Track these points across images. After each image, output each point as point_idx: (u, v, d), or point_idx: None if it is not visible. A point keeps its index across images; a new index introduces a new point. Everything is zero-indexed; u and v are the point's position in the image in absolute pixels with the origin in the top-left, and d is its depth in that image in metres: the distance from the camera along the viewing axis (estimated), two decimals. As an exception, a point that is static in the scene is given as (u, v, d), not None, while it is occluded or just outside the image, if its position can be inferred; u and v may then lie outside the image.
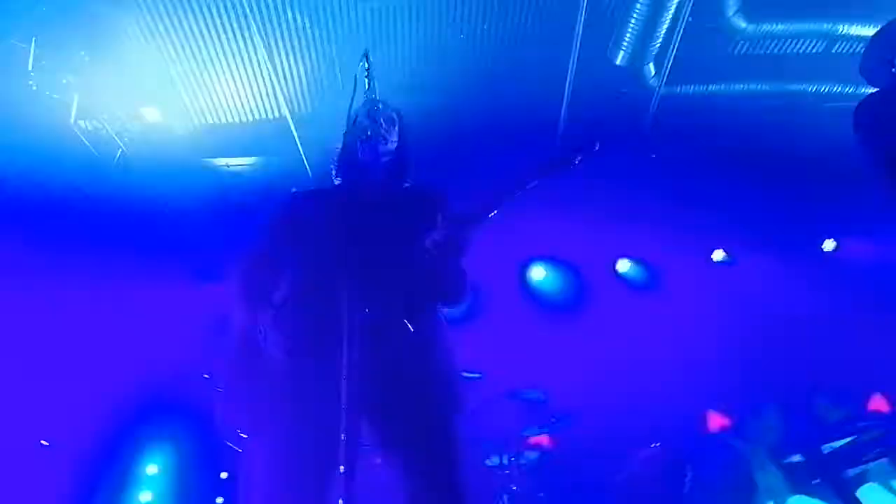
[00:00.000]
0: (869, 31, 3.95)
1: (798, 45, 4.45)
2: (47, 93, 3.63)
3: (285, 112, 4.52)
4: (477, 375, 4.68)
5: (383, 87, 2.08)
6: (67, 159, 4.01)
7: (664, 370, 5.47)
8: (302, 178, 4.69)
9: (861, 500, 4.34)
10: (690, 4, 3.86)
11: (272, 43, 4.05)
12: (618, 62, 4.26)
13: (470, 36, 4.12)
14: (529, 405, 4.81)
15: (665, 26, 3.97)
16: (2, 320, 3.99)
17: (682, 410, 5.28)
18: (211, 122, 4.69)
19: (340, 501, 1.59)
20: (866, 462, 4.54)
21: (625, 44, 4.11)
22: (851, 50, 4.37)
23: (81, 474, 4.41)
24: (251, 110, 4.69)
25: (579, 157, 1.85)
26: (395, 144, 2.16)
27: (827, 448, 4.70)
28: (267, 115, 4.73)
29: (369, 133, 2.00)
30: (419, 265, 1.90)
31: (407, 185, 2.23)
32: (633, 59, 4.23)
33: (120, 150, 4.20)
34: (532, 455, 4.70)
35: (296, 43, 4.07)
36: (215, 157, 4.85)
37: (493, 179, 1.89)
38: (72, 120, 3.82)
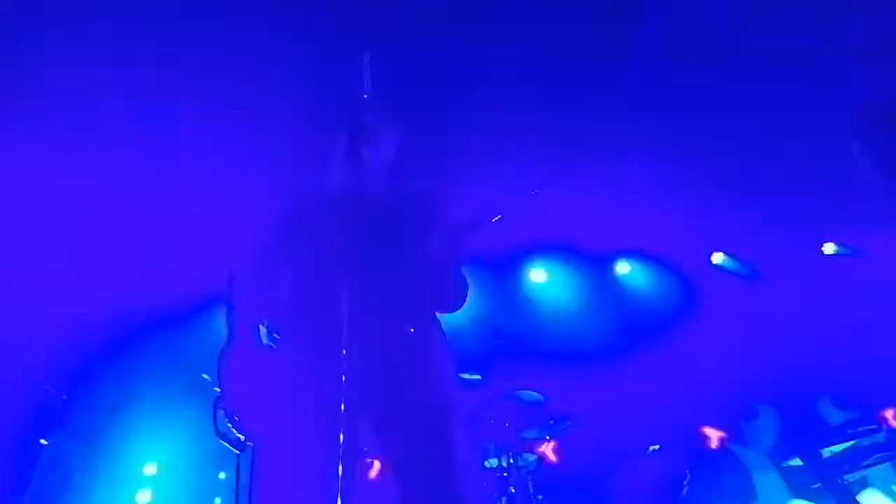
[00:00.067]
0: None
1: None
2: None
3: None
4: (476, 377, 4.69)
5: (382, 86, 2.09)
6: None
7: (664, 372, 5.47)
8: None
9: (862, 505, 4.33)
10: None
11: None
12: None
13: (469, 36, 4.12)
14: (528, 407, 4.81)
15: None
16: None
17: (681, 412, 5.28)
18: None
19: (339, 502, 1.60)
20: (867, 467, 4.53)
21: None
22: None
23: (80, 473, 4.41)
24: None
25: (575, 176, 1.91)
26: (390, 156, 2.21)
27: (827, 452, 4.69)
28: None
29: (368, 139, 2.02)
30: (416, 270, 1.92)
31: (404, 191, 2.27)
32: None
33: None
34: (530, 457, 4.70)
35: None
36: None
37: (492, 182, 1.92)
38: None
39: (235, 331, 1.99)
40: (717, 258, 6.26)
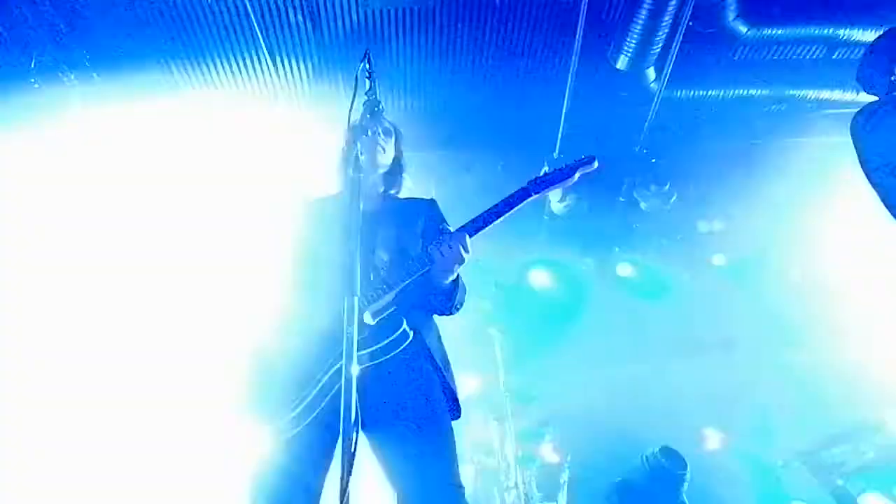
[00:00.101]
0: (869, 36, 3.95)
1: (798, 51, 4.46)
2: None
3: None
4: (475, 377, 4.70)
5: (383, 87, 2.10)
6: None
7: (663, 373, 5.47)
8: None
9: (862, 507, 4.33)
10: (691, 9, 3.88)
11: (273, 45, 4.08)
12: (619, 66, 4.28)
13: (470, 42, 4.14)
14: (528, 407, 4.82)
15: (665, 31, 3.99)
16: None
17: (681, 414, 5.28)
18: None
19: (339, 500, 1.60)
20: (867, 470, 4.52)
21: (626, 48, 4.13)
22: (852, 56, 4.38)
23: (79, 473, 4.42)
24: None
25: (578, 174, 1.92)
26: (392, 155, 2.22)
27: (827, 454, 4.69)
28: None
29: (367, 145, 2.03)
30: (414, 272, 1.94)
31: (400, 195, 2.29)
32: (634, 64, 4.24)
33: None
34: (531, 456, 4.70)
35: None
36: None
37: (492, 186, 1.94)
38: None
39: (235, 332, 2.01)
40: (718, 260, 6.27)
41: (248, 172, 4.50)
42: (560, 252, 6.08)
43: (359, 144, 1.96)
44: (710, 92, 4.54)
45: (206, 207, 4.51)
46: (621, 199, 5.39)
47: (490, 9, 3.90)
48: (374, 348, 1.88)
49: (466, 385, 4.69)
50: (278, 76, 4.27)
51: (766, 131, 4.91)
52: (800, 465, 4.73)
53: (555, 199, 5.09)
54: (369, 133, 2.13)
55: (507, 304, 5.87)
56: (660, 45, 4.07)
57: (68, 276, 4.25)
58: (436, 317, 2.15)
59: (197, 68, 4.14)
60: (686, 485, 4.52)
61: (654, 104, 4.52)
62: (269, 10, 3.80)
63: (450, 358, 2.12)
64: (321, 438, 1.88)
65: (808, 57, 4.47)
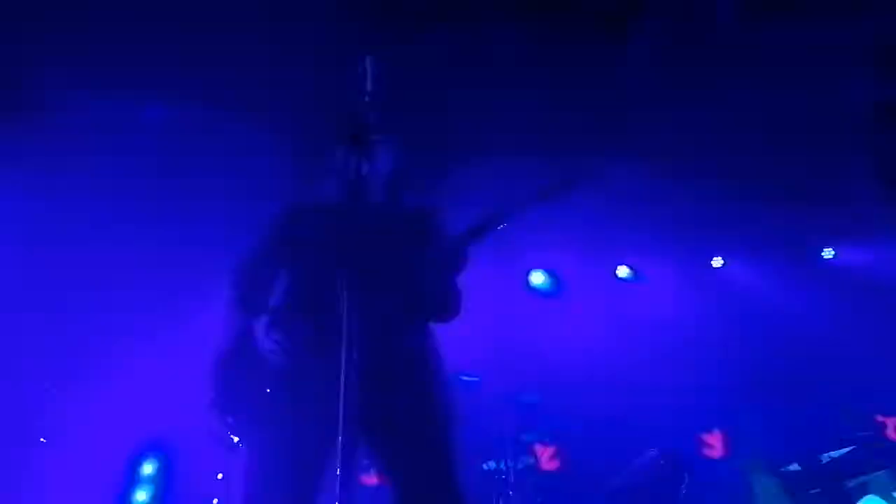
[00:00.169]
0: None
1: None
2: None
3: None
4: (475, 379, 4.69)
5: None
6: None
7: (663, 375, 5.47)
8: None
9: (861, 511, 4.32)
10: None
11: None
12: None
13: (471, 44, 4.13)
14: (527, 409, 4.81)
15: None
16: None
17: (680, 415, 5.28)
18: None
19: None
20: (867, 473, 4.52)
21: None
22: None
23: (78, 472, 4.42)
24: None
25: (577, 188, 1.93)
26: (390, 164, 2.23)
27: (826, 457, 4.68)
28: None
29: (365, 152, 2.03)
30: (412, 279, 1.94)
31: (401, 203, 2.29)
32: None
33: None
34: (529, 460, 4.70)
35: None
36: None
37: (493, 194, 1.95)
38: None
39: (229, 332, 2.01)
40: (717, 262, 6.27)
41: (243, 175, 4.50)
42: (560, 253, 6.08)
43: (359, 146, 1.97)
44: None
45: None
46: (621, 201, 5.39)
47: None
48: (372, 351, 1.88)
49: (465, 386, 4.68)
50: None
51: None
52: (799, 467, 4.73)
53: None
54: (370, 134, 2.13)
55: (506, 306, 5.87)
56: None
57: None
58: (433, 323, 2.15)
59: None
60: (685, 487, 4.52)
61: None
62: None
63: (449, 359, 2.13)
64: (316, 443, 1.87)
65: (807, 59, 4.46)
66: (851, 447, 4.67)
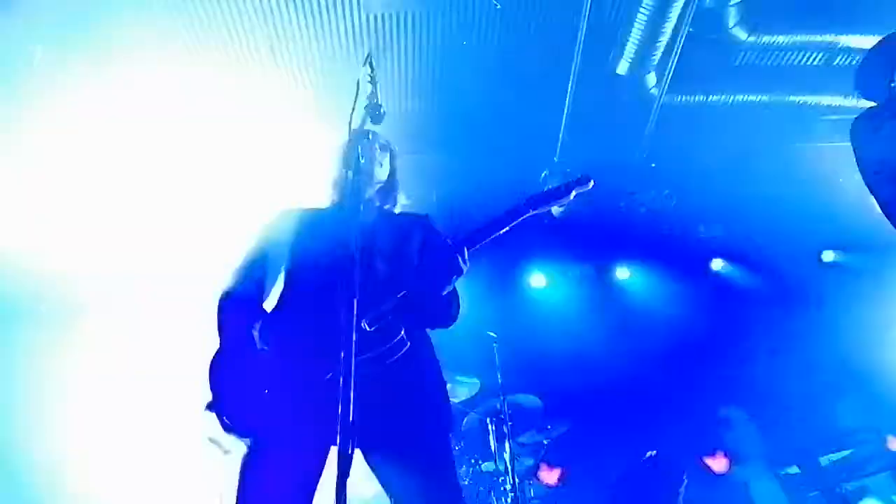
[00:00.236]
0: (869, 42, 3.96)
1: (799, 57, 4.47)
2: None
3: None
4: (474, 380, 4.69)
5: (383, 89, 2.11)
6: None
7: (661, 377, 5.47)
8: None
9: (861, 514, 4.32)
10: (691, 15, 3.89)
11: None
12: (619, 71, 4.29)
13: (471, 45, 4.15)
14: (526, 411, 4.81)
15: (667, 37, 4.00)
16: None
17: (679, 417, 5.27)
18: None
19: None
20: (866, 476, 4.51)
21: (626, 53, 4.14)
22: (852, 62, 4.39)
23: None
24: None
25: (574, 193, 1.95)
26: (388, 171, 2.24)
27: (825, 460, 4.68)
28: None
29: (362, 160, 2.04)
30: (409, 284, 1.95)
31: (395, 209, 2.30)
32: (634, 69, 4.25)
33: None
34: (527, 461, 4.69)
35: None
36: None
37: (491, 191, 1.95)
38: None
39: (225, 335, 2.00)
40: (717, 265, 6.27)
41: (243, 177, 4.52)
42: (560, 255, 6.08)
43: (359, 148, 1.97)
44: (710, 97, 4.55)
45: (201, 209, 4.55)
46: (621, 204, 5.41)
47: (491, 12, 3.91)
48: (370, 355, 1.88)
49: (465, 387, 4.68)
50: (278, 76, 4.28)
51: (766, 136, 4.92)
52: (799, 470, 4.72)
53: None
54: (370, 137, 2.14)
55: (505, 308, 5.87)
56: (660, 50, 4.08)
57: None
58: (430, 328, 2.15)
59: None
60: (684, 490, 4.52)
61: (654, 110, 4.54)
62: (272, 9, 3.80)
63: (448, 360, 2.13)
64: (310, 451, 1.88)
65: (808, 63, 4.49)
66: (850, 450, 4.67)
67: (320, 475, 1.93)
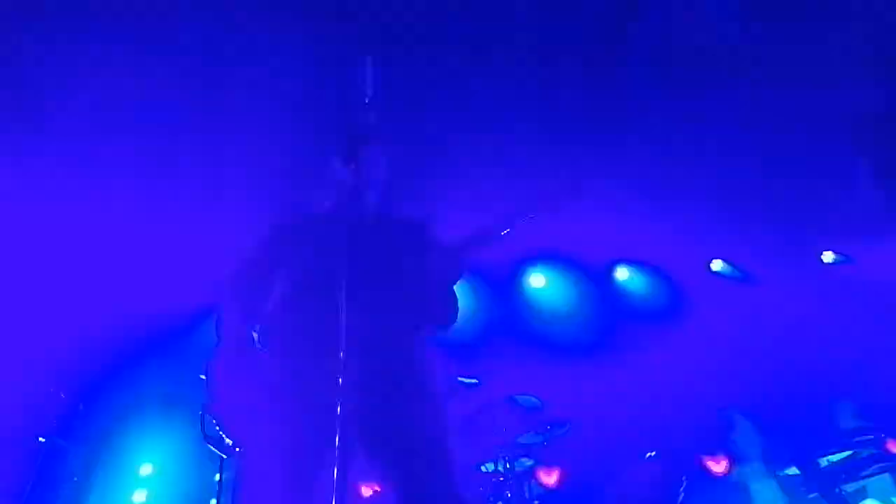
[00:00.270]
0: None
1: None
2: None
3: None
4: (473, 381, 4.68)
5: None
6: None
7: (660, 378, 5.47)
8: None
9: (861, 516, 4.31)
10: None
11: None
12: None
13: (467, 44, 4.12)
14: (525, 412, 4.80)
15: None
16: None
17: (678, 419, 5.27)
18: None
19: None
20: (866, 477, 4.51)
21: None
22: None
23: (77, 472, 4.43)
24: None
25: (566, 204, 1.95)
26: (384, 175, 2.24)
27: (824, 462, 4.67)
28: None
29: (359, 164, 2.04)
30: (409, 288, 1.95)
31: (397, 211, 2.30)
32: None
33: None
34: (527, 462, 4.69)
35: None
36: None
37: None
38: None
39: (225, 336, 2.00)
40: (716, 265, 6.26)
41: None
42: (559, 256, 6.08)
43: (358, 151, 1.98)
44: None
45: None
46: (619, 205, 5.39)
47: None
48: (368, 358, 1.88)
49: (464, 389, 4.68)
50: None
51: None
52: (798, 471, 4.72)
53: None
54: (368, 140, 2.14)
55: (505, 308, 5.87)
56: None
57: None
58: (429, 331, 2.15)
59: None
60: (683, 492, 4.52)
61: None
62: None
63: (447, 361, 2.13)
64: (312, 448, 1.88)
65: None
66: (850, 451, 4.66)
67: (317, 477, 1.93)
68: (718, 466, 5.16)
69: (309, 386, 1.86)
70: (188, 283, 4.76)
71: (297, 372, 1.91)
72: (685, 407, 5.35)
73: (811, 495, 4.60)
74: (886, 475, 4.48)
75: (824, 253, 6.09)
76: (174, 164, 4.32)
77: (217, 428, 1.89)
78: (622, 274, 6.31)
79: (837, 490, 4.53)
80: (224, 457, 1.90)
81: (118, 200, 4.40)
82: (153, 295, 4.80)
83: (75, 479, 4.41)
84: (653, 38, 3.71)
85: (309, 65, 3.60)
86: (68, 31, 3.37)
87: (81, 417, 4.50)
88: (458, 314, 2.12)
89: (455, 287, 2.06)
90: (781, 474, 4.77)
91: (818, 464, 4.69)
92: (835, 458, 4.62)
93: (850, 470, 4.58)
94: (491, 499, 4.39)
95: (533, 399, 4.78)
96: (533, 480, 4.71)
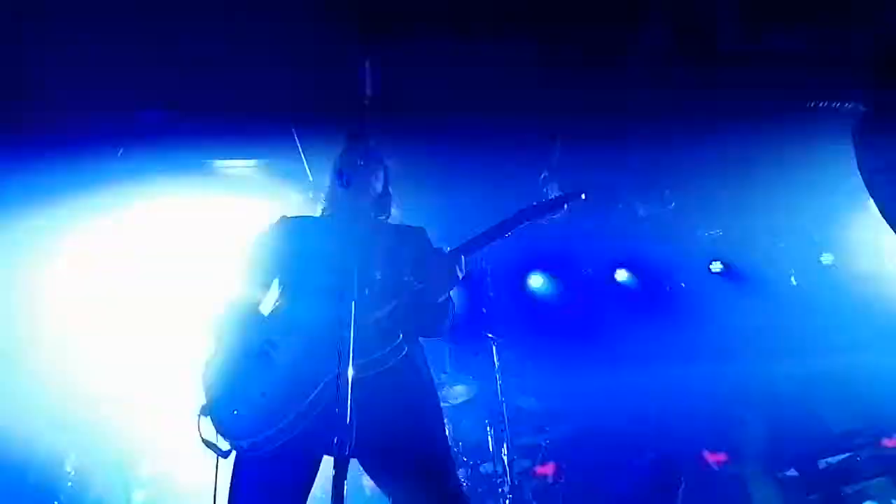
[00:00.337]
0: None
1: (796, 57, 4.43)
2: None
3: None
4: (473, 382, 4.69)
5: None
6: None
7: (659, 379, 5.47)
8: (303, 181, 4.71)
9: (860, 518, 4.31)
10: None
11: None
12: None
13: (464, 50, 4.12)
14: (524, 412, 4.81)
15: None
16: None
17: (677, 419, 5.27)
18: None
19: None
20: (865, 479, 4.50)
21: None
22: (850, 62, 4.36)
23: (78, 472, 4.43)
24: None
25: (567, 206, 1.98)
26: (382, 183, 2.26)
27: (823, 463, 4.67)
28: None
29: (357, 173, 2.05)
30: (402, 295, 1.96)
31: (389, 220, 2.33)
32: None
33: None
34: (526, 462, 4.70)
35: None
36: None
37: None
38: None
39: (223, 338, 2.01)
40: (716, 266, 6.28)
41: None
42: (558, 257, 6.09)
43: (358, 157, 1.98)
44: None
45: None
46: (619, 206, 5.41)
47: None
48: (368, 360, 1.89)
49: (463, 389, 4.68)
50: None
51: (764, 137, 4.91)
52: (798, 474, 4.71)
53: None
54: (364, 149, 2.14)
55: (505, 310, 5.87)
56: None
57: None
58: (425, 337, 2.17)
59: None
60: (682, 491, 4.52)
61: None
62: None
63: (448, 362, 2.15)
64: (304, 455, 1.88)
65: (806, 62, 4.46)
66: (849, 453, 4.66)
67: (314, 478, 1.93)
68: (717, 457, 5.18)
69: (306, 388, 1.87)
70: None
71: (294, 375, 1.91)
72: (685, 406, 5.35)
73: (811, 497, 4.60)
74: (885, 477, 4.48)
75: (824, 255, 6.11)
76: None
77: (213, 430, 1.89)
78: (621, 275, 6.34)
79: (837, 492, 4.53)
80: (221, 458, 1.90)
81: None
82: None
83: (75, 478, 4.40)
84: (655, 37, 3.72)
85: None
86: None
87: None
88: (452, 322, 2.14)
89: (451, 293, 2.08)
90: (781, 476, 4.77)
91: (818, 466, 4.69)
92: (834, 460, 4.62)
93: (850, 472, 4.58)
94: (490, 500, 4.39)
95: (532, 400, 4.80)
96: (533, 480, 4.71)
